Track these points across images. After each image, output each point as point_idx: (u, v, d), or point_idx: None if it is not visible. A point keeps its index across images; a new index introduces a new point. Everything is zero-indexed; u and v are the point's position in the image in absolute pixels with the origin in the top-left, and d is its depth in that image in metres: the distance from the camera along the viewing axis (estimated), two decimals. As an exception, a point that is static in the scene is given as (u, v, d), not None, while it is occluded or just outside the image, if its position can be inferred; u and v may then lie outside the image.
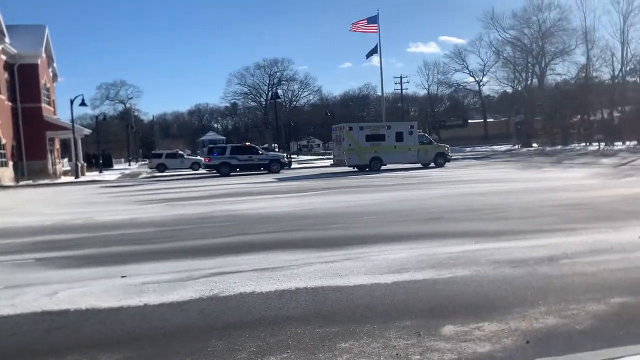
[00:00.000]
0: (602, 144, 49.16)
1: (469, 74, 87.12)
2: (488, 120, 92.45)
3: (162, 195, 19.33)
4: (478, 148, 62.95)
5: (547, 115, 59.00)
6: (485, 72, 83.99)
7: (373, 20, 47.22)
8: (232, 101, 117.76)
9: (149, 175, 37.29)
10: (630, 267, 6.12)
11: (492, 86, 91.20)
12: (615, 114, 55.78)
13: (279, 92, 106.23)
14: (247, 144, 35.49)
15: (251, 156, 32.41)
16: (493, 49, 74.44)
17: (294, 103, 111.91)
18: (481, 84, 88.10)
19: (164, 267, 7.12)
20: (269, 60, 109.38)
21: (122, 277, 6.67)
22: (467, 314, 4.72)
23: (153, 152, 47.45)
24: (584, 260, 6.53)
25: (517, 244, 7.61)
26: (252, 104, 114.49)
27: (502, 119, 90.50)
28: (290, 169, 35.51)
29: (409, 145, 29.92)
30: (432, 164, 30.52)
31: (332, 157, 34.68)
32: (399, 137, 29.95)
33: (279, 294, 5.61)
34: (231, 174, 31.66)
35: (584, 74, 58.21)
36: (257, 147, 36.51)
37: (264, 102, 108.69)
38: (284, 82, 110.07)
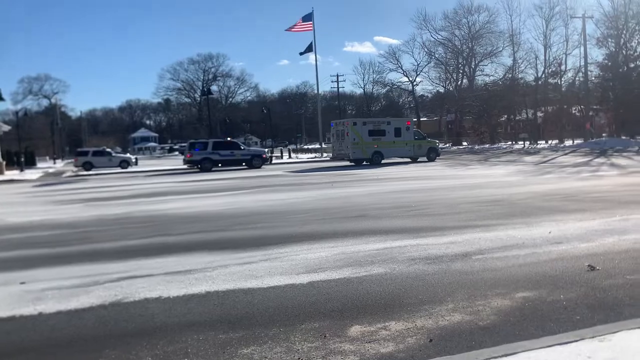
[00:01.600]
0: (527, 142, 51.63)
1: (403, 73, 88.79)
2: (421, 119, 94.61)
3: (84, 195, 18.40)
4: (411, 146, 64.41)
5: (476, 115, 61.20)
6: (418, 72, 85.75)
7: (308, 18, 47.27)
8: (165, 97, 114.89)
9: (73, 174, 35.54)
10: (537, 261, 6.31)
11: (425, 86, 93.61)
12: (539, 114, 58.69)
13: (215, 88, 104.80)
14: (229, 139, 35.37)
15: (233, 151, 32.55)
16: (426, 49, 76.17)
17: (230, 99, 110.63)
18: (415, 83, 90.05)
19: (69, 271, 6.68)
20: (204, 56, 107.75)
21: (21, 283, 6.20)
22: (375, 313, 4.68)
23: (78, 149, 45.29)
24: (495, 255, 6.68)
25: (435, 241, 7.71)
26: (186, 100, 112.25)
27: (435, 118, 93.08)
28: (270, 164, 35.54)
29: (406, 141, 31.97)
30: (425, 158, 32.55)
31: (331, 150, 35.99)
32: (397, 132, 31.83)
33: (187, 298, 5.37)
34: (213, 169, 31.56)
35: (510, 75, 60.79)
36: (239, 142, 36.47)
37: (198, 98, 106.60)
38: (219, 78, 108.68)
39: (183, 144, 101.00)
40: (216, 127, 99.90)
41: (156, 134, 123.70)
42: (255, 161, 32.75)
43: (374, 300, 5.05)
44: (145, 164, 47.43)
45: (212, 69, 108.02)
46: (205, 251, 7.62)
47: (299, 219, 10.47)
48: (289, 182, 20.37)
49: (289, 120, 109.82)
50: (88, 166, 39.18)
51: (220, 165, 31.99)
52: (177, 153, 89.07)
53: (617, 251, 6.66)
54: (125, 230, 9.98)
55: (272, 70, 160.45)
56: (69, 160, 65.94)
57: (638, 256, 6.37)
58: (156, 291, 5.63)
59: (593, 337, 3.75)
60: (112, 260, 7.21)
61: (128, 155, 47.82)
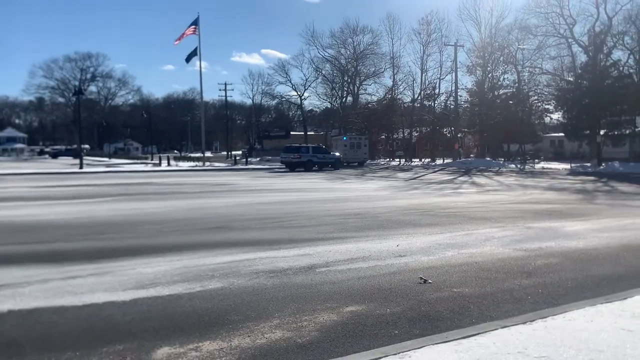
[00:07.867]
0: (403, 159, 54.31)
1: (292, 87, 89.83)
2: (309, 133, 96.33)
3: None
4: (297, 159, 65.11)
5: (358, 132, 63.24)
6: (306, 87, 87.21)
7: (194, 23, 46.08)
8: (37, 95, 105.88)
9: None
10: (377, 274, 6.36)
11: (312, 101, 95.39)
12: (414, 133, 62.19)
13: (93, 88, 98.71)
14: (322, 145, 46.60)
15: (325, 155, 38.65)
16: (313, 65, 77.63)
17: (110, 102, 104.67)
18: (303, 98, 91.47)
19: None
20: (82, 54, 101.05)
21: None
22: (192, 332, 4.35)
23: None
24: (339, 268, 6.65)
25: (286, 253, 7.56)
26: (61, 99, 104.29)
27: (321, 132, 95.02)
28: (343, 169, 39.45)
29: (364, 151, 47.47)
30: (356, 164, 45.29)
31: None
32: (361, 144, 47.17)
33: (-20, 319, 4.66)
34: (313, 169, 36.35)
35: (390, 96, 63.78)
36: (328, 149, 45.97)
37: (74, 99, 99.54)
38: (98, 78, 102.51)
39: (55, 147, 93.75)
40: (93, 130, 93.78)
41: (25, 135, 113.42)
42: (337, 164, 38.65)
43: (197, 318, 4.72)
44: (7, 166, 43.06)
45: (91, 69, 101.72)
46: (29, 263, 6.82)
47: (152, 229, 9.86)
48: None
49: (174, 127, 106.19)
50: None
51: (316, 166, 37.04)
52: (47, 156, 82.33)
53: (452, 264, 6.94)
54: (-57, 239, 8.71)
55: (156, 74, 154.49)
56: None
57: (469, 269, 6.67)
58: (-55, 311, 4.84)
59: (396, 354, 3.72)
60: None
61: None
